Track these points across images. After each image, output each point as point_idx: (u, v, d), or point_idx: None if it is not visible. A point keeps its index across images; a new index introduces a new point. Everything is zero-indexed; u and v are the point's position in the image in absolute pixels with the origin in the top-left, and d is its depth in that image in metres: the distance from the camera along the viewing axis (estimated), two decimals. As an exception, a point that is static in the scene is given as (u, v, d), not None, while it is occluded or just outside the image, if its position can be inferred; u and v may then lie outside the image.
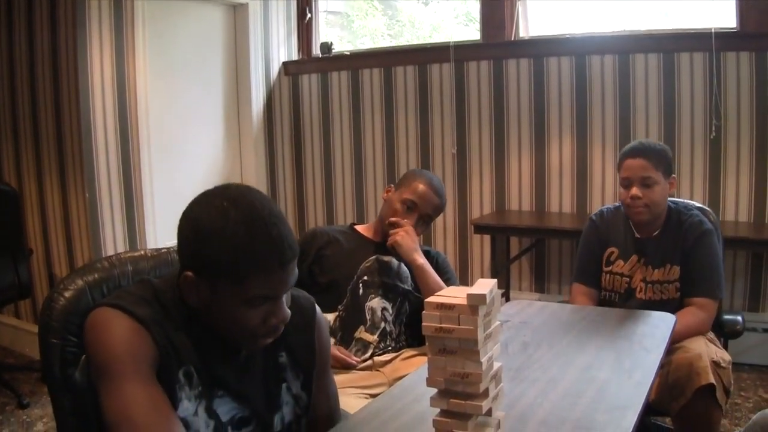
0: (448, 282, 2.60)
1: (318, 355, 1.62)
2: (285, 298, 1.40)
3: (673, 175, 2.68)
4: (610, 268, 2.74)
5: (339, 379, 2.30)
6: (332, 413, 1.71)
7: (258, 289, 1.32)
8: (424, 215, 2.66)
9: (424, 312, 1.15)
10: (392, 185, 2.77)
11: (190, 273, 1.36)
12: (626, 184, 2.64)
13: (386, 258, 2.60)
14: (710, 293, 2.55)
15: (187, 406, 1.36)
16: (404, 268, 2.59)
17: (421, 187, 2.65)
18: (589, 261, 2.81)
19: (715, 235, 2.64)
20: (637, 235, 2.71)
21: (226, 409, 1.43)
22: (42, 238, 4.43)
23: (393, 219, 2.63)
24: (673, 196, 2.78)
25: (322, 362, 1.64)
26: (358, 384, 2.34)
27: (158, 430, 1.23)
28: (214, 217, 1.33)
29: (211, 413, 1.40)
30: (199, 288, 1.36)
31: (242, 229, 1.31)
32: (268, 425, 1.51)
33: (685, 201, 2.94)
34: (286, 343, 1.56)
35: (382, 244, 2.64)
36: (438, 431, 1.19)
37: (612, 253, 2.75)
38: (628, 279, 2.69)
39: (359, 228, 2.77)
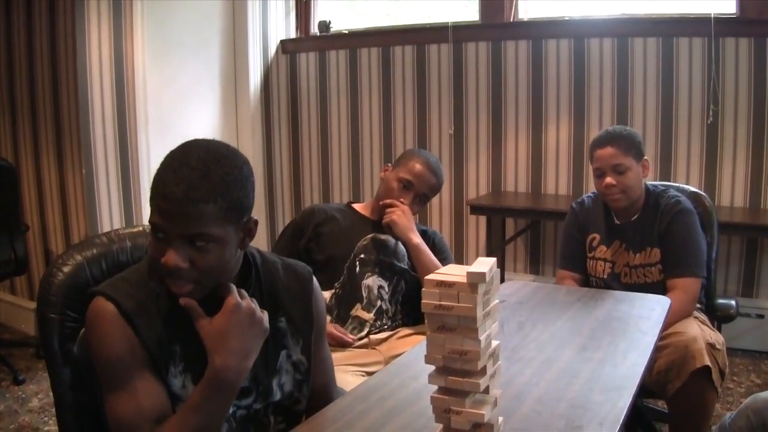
0: (444, 262, 2.61)
1: (315, 320, 1.66)
2: (185, 251, 1.36)
3: (645, 158, 2.68)
4: (593, 254, 2.76)
5: (335, 356, 2.30)
6: (328, 381, 1.74)
7: (152, 215, 1.36)
8: (420, 194, 2.67)
9: (423, 289, 1.15)
10: (390, 164, 2.78)
11: None
12: (599, 174, 2.65)
13: (383, 236, 2.60)
14: (688, 272, 2.54)
15: (173, 382, 1.42)
16: (401, 246, 2.60)
17: (417, 166, 2.65)
18: (572, 247, 2.83)
19: (693, 213, 2.63)
20: (616, 221, 2.72)
21: None
22: (38, 214, 4.42)
23: (387, 201, 2.64)
24: (648, 178, 2.77)
25: (318, 328, 1.68)
26: (355, 362, 2.36)
27: (144, 426, 1.34)
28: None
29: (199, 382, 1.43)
30: None
31: (167, 160, 1.37)
32: (268, 393, 1.54)
33: (680, 185, 2.95)
34: (285, 308, 1.60)
35: (379, 223, 2.65)
36: (435, 408, 1.20)
37: (594, 238, 2.76)
38: (611, 264, 2.70)
39: (356, 206, 2.78)
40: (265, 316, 1.44)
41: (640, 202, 2.69)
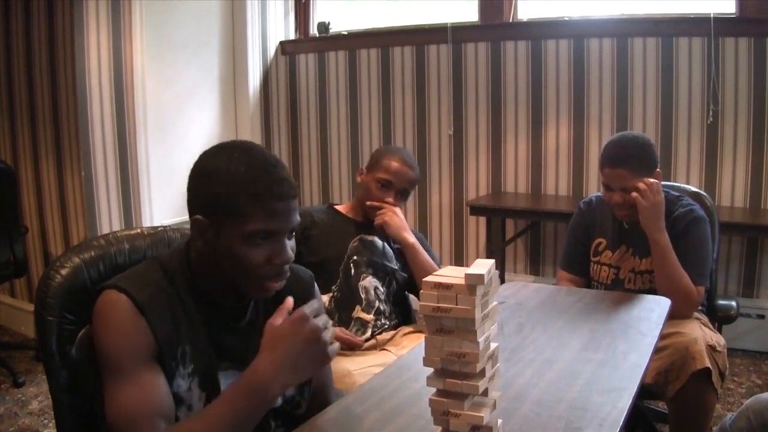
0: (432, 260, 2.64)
1: None
2: (289, 243, 1.43)
3: (658, 170, 2.59)
4: (598, 258, 2.73)
5: (352, 360, 2.33)
6: (327, 383, 1.74)
7: (258, 223, 1.37)
8: (400, 190, 2.66)
9: (421, 291, 1.15)
10: (362, 168, 2.77)
11: (198, 216, 1.42)
12: (608, 188, 2.60)
13: (369, 237, 2.61)
14: (694, 281, 2.50)
15: (180, 383, 1.40)
16: (388, 247, 2.61)
17: (393, 164, 2.64)
18: (575, 249, 2.80)
19: (706, 222, 2.60)
20: (625, 226, 2.69)
21: (228, 382, 1.45)
22: (37, 216, 4.42)
23: (371, 203, 2.64)
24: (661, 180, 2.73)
25: None
26: (375, 363, 2.32)
27: (145, 422, 1.31)
28: (218, 158, 1.42)
29: (205, 386, 1.43)
30: (206, 230, 1.41)
31: (243, 166, 1.38)
32: None
33: (680, 185, 2.94)
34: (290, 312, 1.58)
35: (363, 224, 2.65)
36: (434, 411, 1.19)
37: (600, 243, 2.73)
38: (615, 270, 2.68)
39: (339, 208, 2.78)
40: (333, 347, 1.41)
41: None
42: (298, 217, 1.44)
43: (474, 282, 1.11)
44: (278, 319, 1.36)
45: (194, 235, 1.45)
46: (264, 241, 1.39)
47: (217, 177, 1.39)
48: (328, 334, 1.38)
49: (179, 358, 1.40)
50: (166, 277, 1.45)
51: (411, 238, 2.59)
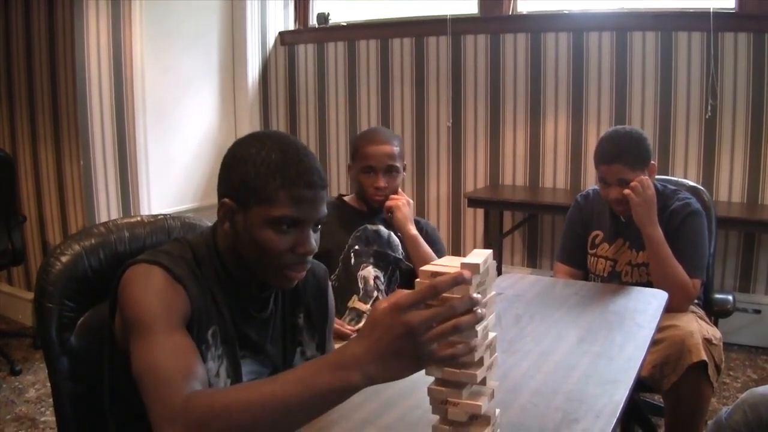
0: (438, 253, 2.61)
1: (329, 317, 1.68)
2: (313, 235, 1.43)
3: (653, 162, 2.59)
4: (595, 251, 2.73)
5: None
6: None
7: (284, 209, 1.36)
8: (385, 169, 2.60)
9: (417, 280, 1.15)
10: (350, 162, 2.73)
11: (227, 199, 1.42)
12: (604, 183, 2.60)
13: (374, 227, 2.60)
14: (690, 273, 2.49)
15: (210, 366, 1.38)
16: (393, 236, 2.60)
17: (369, 149, 2.59)
18: (572, 242, 2.80)
19: (702, 216, 2.60)
20: (622, 219, 2.69)
21: (245, 371, 1.45)
22: (36, 205, 4.42)
23: (389, 203, 2.61)
24: (657, 174, 2.73)
25: (330, 324, 1.69)
26: None
27: (179, 377, 1.15)
28: (250, 144, 1.42)
29: (229, 373, 1.42)
30: (233, 214, 1.41)
31: (274, 153, 1.38)
32: None
33: (678, 179, 2.94)
34: (306, 305, 1.61)
35: (368, 213, 2.63)
36: (432, 399, 1.20)
37: (597, 236, 2.74)
38: (612, 263, 2.68)
39: (347, 199, 2.76)
40: (430, 351, 1.07)
41: None
42: (325, 209, 1.43)
43: (469, 271, 1.11)
44: (385, 302, 1.08)
45: (221, 218, 1.44)
46: (289, 228, 1.38)
47: (247, 161, 1.39)
48: (426, 333, 1.05)
49: (210, 338, 1.39)
50: (195, 259, 1.44)
51: (413, 230, 2.58)
